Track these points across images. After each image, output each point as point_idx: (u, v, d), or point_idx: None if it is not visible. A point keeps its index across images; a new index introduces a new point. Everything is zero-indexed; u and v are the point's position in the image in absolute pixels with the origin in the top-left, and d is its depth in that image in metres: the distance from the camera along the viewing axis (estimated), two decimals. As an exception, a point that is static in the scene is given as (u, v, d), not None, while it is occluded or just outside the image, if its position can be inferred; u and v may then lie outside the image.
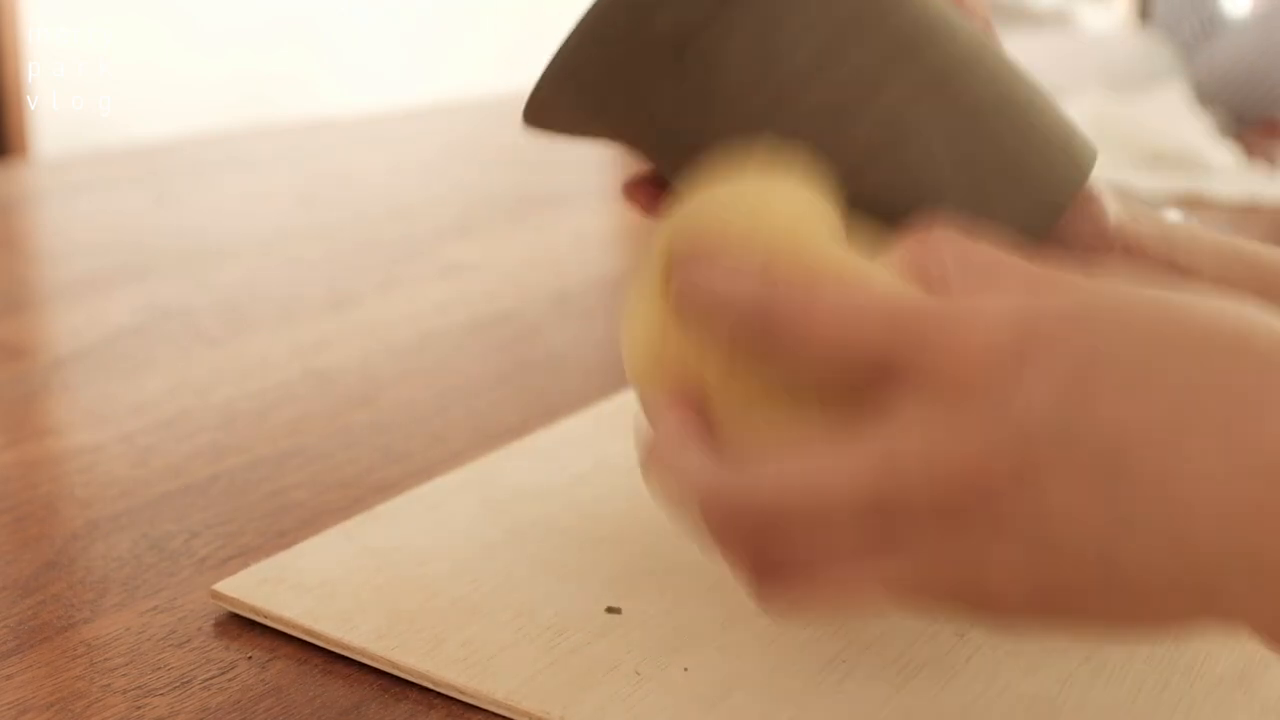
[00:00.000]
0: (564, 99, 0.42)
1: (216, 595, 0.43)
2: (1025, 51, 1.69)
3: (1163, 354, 0.28)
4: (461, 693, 0.39)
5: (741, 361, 0.33)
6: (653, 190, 0.45)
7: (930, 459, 0.28)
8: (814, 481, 0.30)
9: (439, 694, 0.39)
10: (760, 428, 0.33)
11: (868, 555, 0.30)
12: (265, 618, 0.42)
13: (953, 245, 0.32)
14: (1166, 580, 0.28)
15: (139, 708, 0.38)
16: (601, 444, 0.55)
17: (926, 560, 0.29)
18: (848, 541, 0.30)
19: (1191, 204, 1.09)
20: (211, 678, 0.40)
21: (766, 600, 0.32)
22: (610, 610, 0.42)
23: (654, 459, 0.33)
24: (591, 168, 1.22)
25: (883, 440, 0.29)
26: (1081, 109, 1.30)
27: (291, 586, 0.43)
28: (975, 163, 0.40)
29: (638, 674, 0.39)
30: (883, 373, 0.30)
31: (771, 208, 0.34)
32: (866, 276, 0.32)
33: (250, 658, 0.41)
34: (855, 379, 0.30)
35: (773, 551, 0.31)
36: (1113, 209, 0.43)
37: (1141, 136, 1.24)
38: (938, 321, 0.29)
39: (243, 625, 0.43)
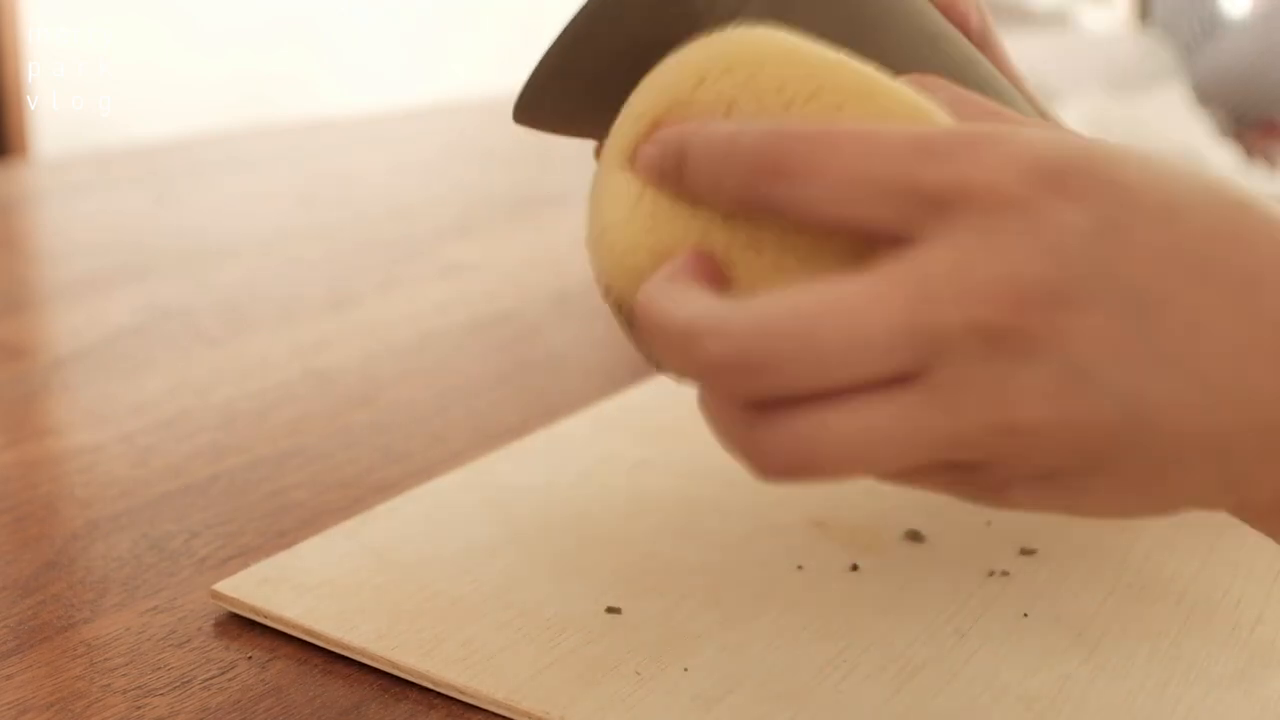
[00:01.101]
0: (552, 99, 0.42)
1: (216, 595, 0.43)
2: (1025, 51, 1.69)
3: (1189, 203, 0.28)
4: (461, 693, 0.39)
5: (745, 225, 0.30)
6: None
7: (965, 278, 0.27)
8: (840, 307, 0.27)
9: (439, 694, 0.39)
10: (765, 290, 0.30)
11: (888, 393, 0.27)
12: (265, 618, 0.42)
13: (951, 89, 0.31)
14: (1187, 430, 0.27)
15: (139, 708, 0.38)
16: (601, 444, 0.55)
17: (952, 393, 0.27)
18: (868, 375, 0.27)
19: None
20: (211, 678, 0.40)
21: (763, 457, 0.28)
22: (610, 610, 0.42)
23: (645, 306, 0.29)
24: (591, 168, 1.22)
25: (913, 265, 0.27)
26: (1081, 109, 1.30)
27: (292, 586, 0.43)
28: None
29: (638, 674, 0.39)
30: (908, 217, 0.28)
31: (773, 44, 0.32)
32: (884, 110, 0.30)
33: (250, 658, 0.41)
34: (879, 221, 0.28)
35: (780, 389, 0.27)
36: None
37: (1141, 137, 1.24)
38: (971, 143, 0.28)
39: (243, 625, 0.43)
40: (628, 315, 0.33)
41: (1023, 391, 0.27)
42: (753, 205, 0.30)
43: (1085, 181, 0.27)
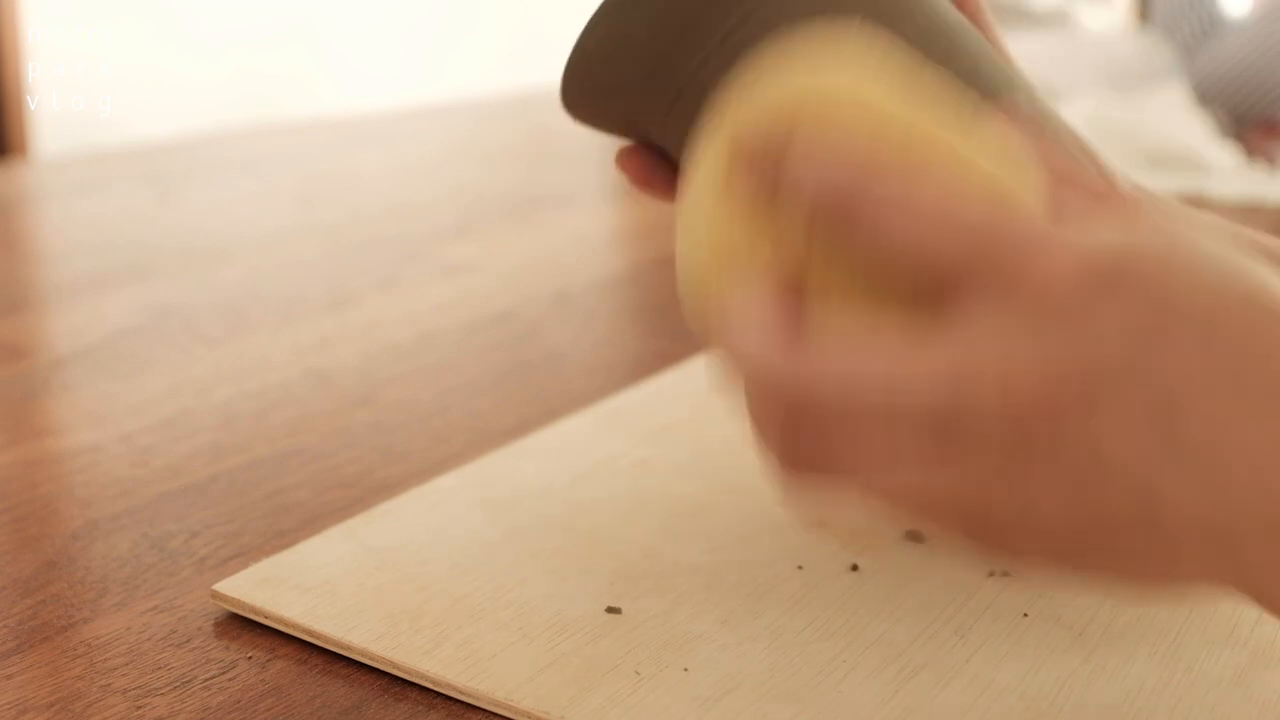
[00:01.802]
0: (601, 65, 0.42)
1: (216, 595, 0.43)
2: (1025, 52, 1.69)
3: (1227, 314, 0.29)
4: (461, 693, 0.39)
5: (819, 254, 0.32)
6: (647, 160, 0.45)
7: (1007, 372, 0.28)
8: (883, 375, 0.29)
9: (439, 694, 0.39)
10: (832, 322, 0.32)
11: (916, 465, 0.29)
12: (265, 618, 0.42)
13: (1053, 152, 0.33)
14: (1199, 522, 0.29)
15: (139, 708, 0.38)
16: (601, 444, 0.55)
17: (977, 477, 0.29)
18: (902, 447, 0.29)
19: (1192, 204, 1.09)
20: (211, 678, 0.40)
21: (790, 493, 0.31)
22: (610, 610, 0.42)
23: (722, 338, 0.32)
24: (592, 168, 1.22)
25: (960, 347, 0.29)
26: (1081, 109, 1.30)
27: (291, 586, 0.43)
28: None
29: (638, 674, 0.39)
30: (966, 280, 0.30)
31: (861, 88, 0.33)
32: (969, 173, 0.31)
33: (250, 658, 0.41)
34: (937, 281, 0.30)
35: (819, 444, 0.30)
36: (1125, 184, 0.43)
37: (1141, 137, 1.24)
38: (1030, 243, 0.29)
39: (243, 625, 0.43)
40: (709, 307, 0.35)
41: (1042, 488, 0.29)
42: (836, 208, 0.31)
43: (1134, 285, 0.29)
